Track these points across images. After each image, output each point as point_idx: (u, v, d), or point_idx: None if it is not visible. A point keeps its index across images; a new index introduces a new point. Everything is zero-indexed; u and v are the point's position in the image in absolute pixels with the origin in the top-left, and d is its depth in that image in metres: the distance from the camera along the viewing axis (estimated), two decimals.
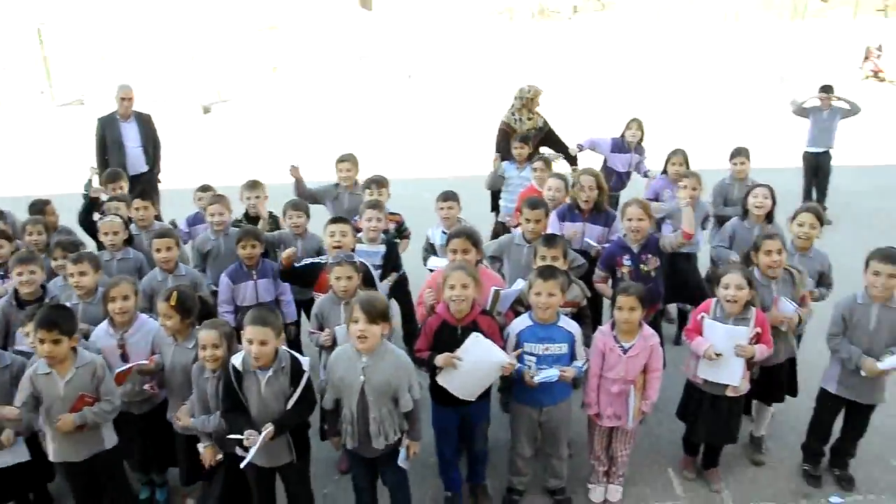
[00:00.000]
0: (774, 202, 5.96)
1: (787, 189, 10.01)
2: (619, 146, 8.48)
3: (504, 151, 8.15)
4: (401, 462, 4.25)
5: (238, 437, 3.91)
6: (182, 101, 19.68)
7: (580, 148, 8.61)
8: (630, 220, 5.38)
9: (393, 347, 4.13)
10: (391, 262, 5.89)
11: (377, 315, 3.94)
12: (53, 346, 4.03)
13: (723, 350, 4.62)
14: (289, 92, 20.73)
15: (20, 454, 4.50)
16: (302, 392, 4.06)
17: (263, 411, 4.02)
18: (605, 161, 8.59)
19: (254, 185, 6.73)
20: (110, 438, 4.41)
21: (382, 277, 5.67)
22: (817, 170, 10.09)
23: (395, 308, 5.79)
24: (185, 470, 4.76)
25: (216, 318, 4.79)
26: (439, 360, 4.32)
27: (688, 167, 7.09)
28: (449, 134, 16.98)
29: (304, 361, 4.14)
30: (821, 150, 10.02)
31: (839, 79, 10.26)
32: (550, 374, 4.42)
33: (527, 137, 7.87)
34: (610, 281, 5.59)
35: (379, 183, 6.59)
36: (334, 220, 5.41)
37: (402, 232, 6.59)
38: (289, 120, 18.72)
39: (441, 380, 4.39)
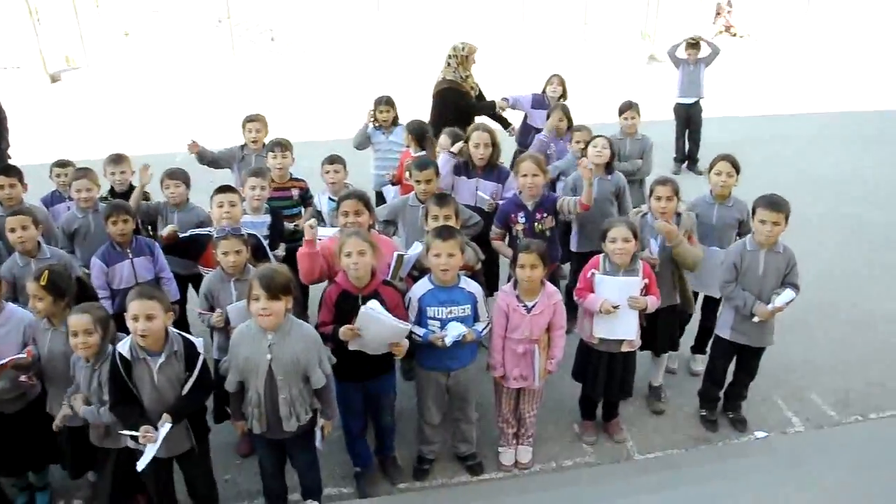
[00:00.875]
0: (613, 154, 6.06)
1: (666, 140, 10.40)
2: (540, 102, 8.20)
3: (450, 113, 7.61)
4: (318, 444, 4.04)
5: (132, 433, 3.59)
6: (26, 69, 17.99)
7: (506, 102, 8.19)
8: (525, 175, 5.29)
9: (299, 322, 3.89)
10: (277, 232, 5.57)
11: (278, 289, 3.68)
12: None
13: (615, 303, 4.64)
14: (143, 58, 19.38)
15: None
16: (198, 376, 3.77)
17: (157, 400, 3.72)
18: (525, 118, 8.31)
19: (118, 160, 6.15)
20: None
21: (271, 249, 5.34)
22: (689, 120, 10.42)
23: None
24: (72, 462, 4.38)
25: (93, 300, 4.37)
26: (341, 333, 4.09)
27: (570, 122, 7.08)
28: (318, 98, 16.42)
29: (199, 343, 3.85)
30: (691, 100, 10.33)
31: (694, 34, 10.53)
32: (460, 330, 4.30)
33: (391, 101, 7.50)
34: (506, 239, 5.51)
35: (283, 146, 6.13)
36: (222, 189, 5.04)
37: (305, 200, 6.21)
38: (145, 88, 17.52)
39: (353, 346, 4.16)
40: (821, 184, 10.41)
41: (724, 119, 13.30)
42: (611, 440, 5.19)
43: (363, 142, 7.51)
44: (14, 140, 8.89)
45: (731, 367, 5.26)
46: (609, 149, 5.97)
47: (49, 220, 5.71)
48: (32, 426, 4.32)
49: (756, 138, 12.54)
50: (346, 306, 4.16)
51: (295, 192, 6.16)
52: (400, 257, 4.56)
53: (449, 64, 7.90)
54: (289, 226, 5.89)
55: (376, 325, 4.07)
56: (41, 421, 4.28)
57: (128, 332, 5.01)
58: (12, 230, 4.84)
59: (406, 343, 4.23)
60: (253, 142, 6.60)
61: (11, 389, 4.14)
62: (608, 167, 6.04)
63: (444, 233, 4.31)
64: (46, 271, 4.06)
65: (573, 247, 6.12)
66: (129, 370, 3.69)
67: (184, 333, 3.90)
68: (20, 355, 4.06)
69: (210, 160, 6.66)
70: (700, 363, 5.89)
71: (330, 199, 5.87)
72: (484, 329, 4.47)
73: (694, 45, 10.35)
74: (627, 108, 7.30)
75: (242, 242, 4.47)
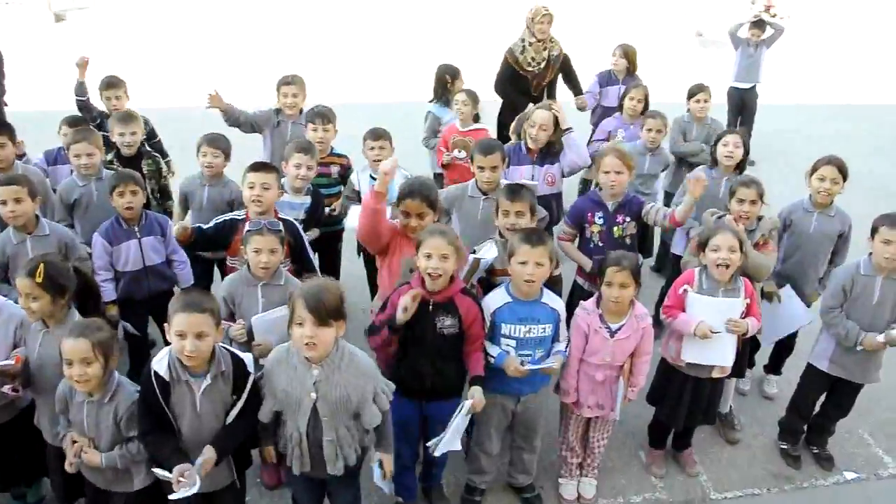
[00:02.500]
0: (747, 151, 5.31)
1: None
2: (608, 78, 7.47)
3: (508, 88, 6.95)
4: (377, 481, 3.39)
5: (165, 474, 2.95)
6: (28, 5, 17.02)
7: (585, 101, 7.44)
8: (607, 172, 4.56)
9: (351, 349, 3.16)
10: (315, 216, 4.88)
11: (329, 314, 2.94)
12: None
13: (713, 327, 3.98)
14: None
15: None
16: (246, 400, 3.13)
17: (197, 429, 3.08)
18: (600, 101, 7.54)
19: (127, 118, 5.37)
20: None
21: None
22: (742, 107, 9.63)
23: None
24: (61, 487, 3.69)
25: (95, 307, 3.70)
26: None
27: (647, 105, 6.36)
28: (361, 53, 15.41)
29: (248, 360, 3.19)
30: (748, 85, 9.53)
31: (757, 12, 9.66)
32: (548, 363, 3.72)
33: (454, 73, 6.75)
34: (576, 241, 4.81)
35: (325, 117, 5.35)
36: (257, 167, 4.28)
37: (346, 178, 5.45)
38: (158, 31, 16.55)
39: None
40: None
41: (772, 107, 12.46)
42: (683, 473, 4.57)
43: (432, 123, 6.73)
44: (13, 85, 8.13)
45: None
46: (742, 147, 5.24)
47: (47, 187, 5.02)
48: (21, 438, 3.70)
49: (806, 129, 11.70)
50: (415, 312, 3.50)
51: (335, 170, 5.43)
52: (477, 261, 3.92)
53: (526, 29, 7.10)
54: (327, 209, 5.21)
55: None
56: (31, 432, 3.65)
57: (129, 319, 4.41)
58: (3, 203, 4.13)
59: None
60: (289, 107, 5.79)
61: None
62: (739, 166, 5.31)
63: (534, 237, 3.62)
64: (41, 265, 3.34)
65: (676, 249, 5.43)
66: (166, 393, 3.03)
67: (231, 349, 3.23)
68: (7, 361, 3.39)
69: (238, 121, 5.82)
70: (774, 385, 5.30)
71: (372, 177, 5.15)
72: (566, 351, 3.82)
73: (758, 24, 9.51)
74: (699, 90, 6.59)
75: (279, 240, 3.76)
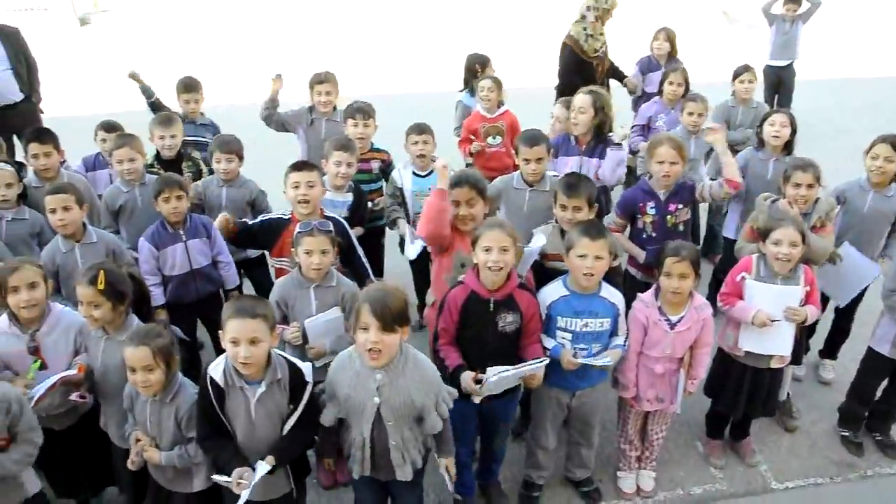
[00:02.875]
0: (794, 131, 5.17)
1: None
2: (648, 64, 7.34)
3: (575, 77, 6.70)
4: (450, 487, 3.38)
5: (224, 479, 2.93)
6: (53, 11, 17.15)
7: (634, 82, 7.32)
8: (661, 162, 4.43)
9: (414, 353, 3.12)
10: (359, 214, 4.84)
11: (394, 319, 2.91)
12: None
13: (772, 315, 3.88)
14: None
15: None
16: (304, 410, 3.09)
17: (252, 437, 3.06)
18: (643, 87, 7.41)
19: (168, 122, 5.33)
20: (32, 483, 3.30)
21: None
22: (779, 85, 9.43)
23: None
24: (131, 489, 3.70)
25: (148, 312, 3.72)
26: (466, 385, 3.40)
27: (688, 88, 6.22)
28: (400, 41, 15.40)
29: (306, 370, 3.13)
30: (784, 62, 9.33)
31: None
32: (604, 361, 3.61)
33: (482, 61, 6.67)
34: (627, 230, 4.72)
35: (365, 112, 5.31)
36: (299, 167, 4.22)
37: (387, 173, 5.39)
38: (181, 32, 16.60)
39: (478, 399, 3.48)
40: None
41: (810, 83, 12.18)
42: (742, 463, 4.47)
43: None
44: (45, 90, 8.13)
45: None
46: (790, 126, 5.10)
47: (92, 195, 5.02)
48: (85, 444, 3.71)
49: (845, 105, 11.43)
50: (475, 312, 3.45)
51: (375, 165, 5.37)
52: (521, 251, 3.82)
53: (584, 17, 6.94)
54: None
55: (506, 383, 3.44)
56: (95, 438, 3.66)
57: (178, 323, 4.39)
58: (52, 211, 4.14)
59: (541, 375, 3.51)
60: (323, 105, 5.75)
61: (60, 405, 3.50)
62: (787, 146, 5.15)
63: (593, 230, 3.54)
64: (101, 272, 3.35)
65: (728, 232, 5.33)
66: (222, 399, 3.01)
67: (288, 356, 3.19)
68: (70, 371, 3.40)
69: (271, 118, 5.86)
70: (831, 370, 5.18)
71: (416, 174, 5.09)
72: (625, 344, 3.74)
73: None
74: (744, 70, 6.42)
75: (330, 240, 3.71)
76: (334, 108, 5.77)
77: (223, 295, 4.78)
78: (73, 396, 3.41)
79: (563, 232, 3.99)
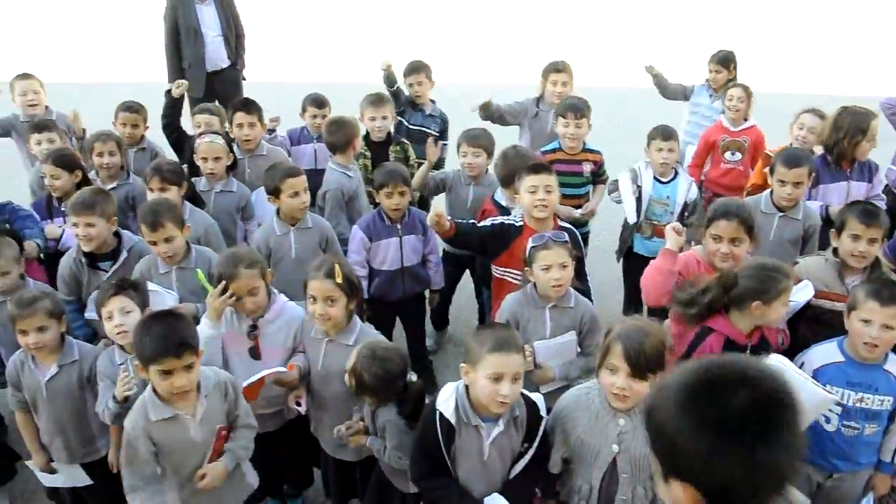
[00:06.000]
0: None
1: None
2: None
3: None
4: None
5: None
6: None
7: None
8: None
9: None
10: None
11: (649, 366, 2.54)
12: (185, 375, 2.68)
13: None
14: None
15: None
16: (538, 448, 2.78)
17: (479, 478, 2.76)
18: None
19: (379, 101, 5.13)
20: (253, 476, 3.16)
21: None
22: None
23: None
24: (337, 494, 3.58)
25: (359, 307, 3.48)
26: None
27: None
28: None
29: (540, 402, 2.81)
30: None
31: None
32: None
33: (727, 59, 6.06)
34: None
35: (578, 110, 4.90)
36: (536, 169, 3.87)
37: (599, 176, 5.02)
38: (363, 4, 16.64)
39: None
40: None
41: None
42: None
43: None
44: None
45: None
46: None
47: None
48: (293, 446, 3.58)
49: None
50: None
51: (587, 167, 4.95)
52: None
53: None
54: (573, 211, 4.76)
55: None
56: (303, 441, 3.53)
57: (378, 321, 4.16)
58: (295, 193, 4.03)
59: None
60: (557, 96, 5.34)
61: (273, 405, 3.37)
62: None
63: (886, 292, 2.96)
64: (336, 265, 3.16)
65: None
66: (450, 436, 2.72)
67: (523, 390, 2.86)
68: (281, 369, 3.21)
69: (493, 116, 5.54)
70: None
71: (657, 179, 4.68)
72: None
73: None
74: None
75: (568, 252, 3.35)
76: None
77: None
78: (295, 405, 3.25)
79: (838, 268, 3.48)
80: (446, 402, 2.72)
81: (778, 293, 3.01)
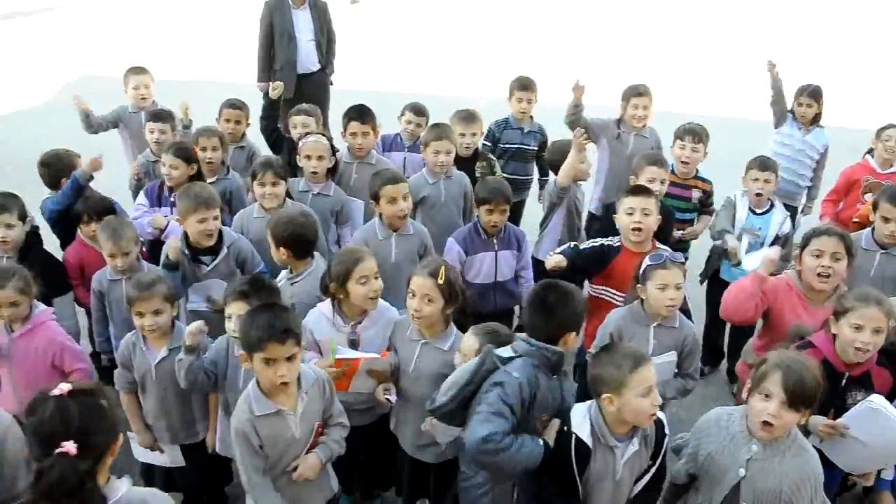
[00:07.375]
0: None
1: None
2: None
3: None
4: None
5: None
6: None
7: None
8: None
9: (801, 438, 2.71)
10: (663, 237, 4.46)
11: (805, 400, 2.56)
12: (287, 365, 2.74)
13: None
14: None
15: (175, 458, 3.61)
16: (660, 465, 2.81)
17: (611, 497, 2.74)
18: None
19: (470, 119, 5.11)
20: (335, 480, 3.21)
21: None
22: None
23: None
24: (409, 494, 3.63)
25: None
26: (817, 427, 3.00)
27: None
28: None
29: (664, 418, 2.82)
30: None
31: None
32: None
33: (817, 93, 5.97)
34: None
35: (696, 135, 4.92)
36: (635, 191, 3.94)
37: (706, 205, 5.03)
38: (448, 15, 16.79)
39: (824, 448, 3.05)
40: None
41: None
42: None
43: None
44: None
45: None
46: None
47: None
48: (373, 443, 3.63)
49: None
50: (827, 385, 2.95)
51: (696, 194, 4.95)
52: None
53: None
54: (675, 233, 4.75)
55: (876, 428, 2.91)
56: (385, 440, 3.58)
57: None
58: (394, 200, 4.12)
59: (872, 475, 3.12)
60: (637, 119, 5.30)
61: (366, 399, 3.41)
62: None
63: None
64: (442, 266, 3.23)
65: None
66: (584, 459, 2.70)
67: None
68: (373, 354, 3.27)
69: (583, 123, 5.34)
70: None
71: (752, 210, 4.68)
72: None
73: None
74: None
75: (684, 275, 3.39)
76: (643, 125, 5.34)
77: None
78: (381, 397, 3.30)
79: None
80: (580, 425, 2.70)
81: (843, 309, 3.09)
